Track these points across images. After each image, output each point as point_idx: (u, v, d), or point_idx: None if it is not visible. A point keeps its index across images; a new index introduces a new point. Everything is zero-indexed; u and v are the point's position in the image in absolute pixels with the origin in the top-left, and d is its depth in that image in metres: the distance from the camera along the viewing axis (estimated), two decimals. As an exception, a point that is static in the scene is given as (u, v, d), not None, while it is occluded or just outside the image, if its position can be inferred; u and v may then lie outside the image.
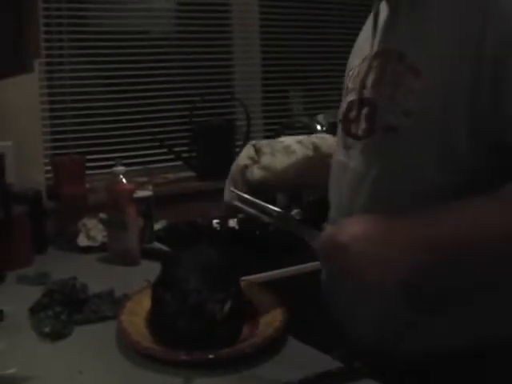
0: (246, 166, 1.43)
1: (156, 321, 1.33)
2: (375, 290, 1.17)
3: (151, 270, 1.53)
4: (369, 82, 1.23)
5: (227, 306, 1.27)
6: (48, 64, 2.45)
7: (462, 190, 1.06)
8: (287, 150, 1.45)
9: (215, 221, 2.22)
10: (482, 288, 1.13)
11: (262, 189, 1.41)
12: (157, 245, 2.06)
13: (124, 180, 1.92)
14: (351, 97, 1.29)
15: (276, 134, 2.69)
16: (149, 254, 1.96)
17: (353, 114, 1.27)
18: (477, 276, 1.11)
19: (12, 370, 1.20)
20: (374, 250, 1.02)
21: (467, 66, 1.04)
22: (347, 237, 1.05)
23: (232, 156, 2.69)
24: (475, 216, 1.02)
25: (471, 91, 1.04)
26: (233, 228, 2.20)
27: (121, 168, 1.93)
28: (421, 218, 1.04)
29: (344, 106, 1.33)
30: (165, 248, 2.03)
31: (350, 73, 1.35)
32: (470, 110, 1.05)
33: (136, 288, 1.51)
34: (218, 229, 2.19)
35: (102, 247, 2.04)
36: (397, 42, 1.18)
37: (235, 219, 2.21)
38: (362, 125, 1.23)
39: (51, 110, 2.48)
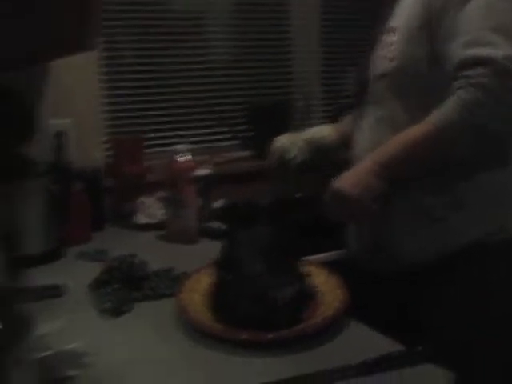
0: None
1: (217, 301, 1.32)
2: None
3: (209, 248, 1.53)
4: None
5: (289, 292, 1.26)
6: (107, 49, 2.45)
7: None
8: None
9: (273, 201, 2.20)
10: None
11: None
12: (215, 224, 2.06)
13: (183, 158, 1.91)
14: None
15: (334, 115, 2.66)
16: (207, 233, 1.96)
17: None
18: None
19: (72, 345, 1.20)
20: (353, 180, 1.45)
21: (418, 19, 1.47)
22: (338, 182, 1.46)
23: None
24: (404, 135, 1.44)
25: (426, 34, 1.45)
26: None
27: (181, 146, 1.92)
28: (378, 150, 1.48)
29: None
30: (223, 227, 2.02)
31: None
32: (427, 46, 1.45)
33: (194, 266, 1.50)
34: (276, 209, 2.17)
35: (159, 225, 2.04)
36: (390, 21, 1.58)
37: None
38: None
39: (110, 88, 2.48)
